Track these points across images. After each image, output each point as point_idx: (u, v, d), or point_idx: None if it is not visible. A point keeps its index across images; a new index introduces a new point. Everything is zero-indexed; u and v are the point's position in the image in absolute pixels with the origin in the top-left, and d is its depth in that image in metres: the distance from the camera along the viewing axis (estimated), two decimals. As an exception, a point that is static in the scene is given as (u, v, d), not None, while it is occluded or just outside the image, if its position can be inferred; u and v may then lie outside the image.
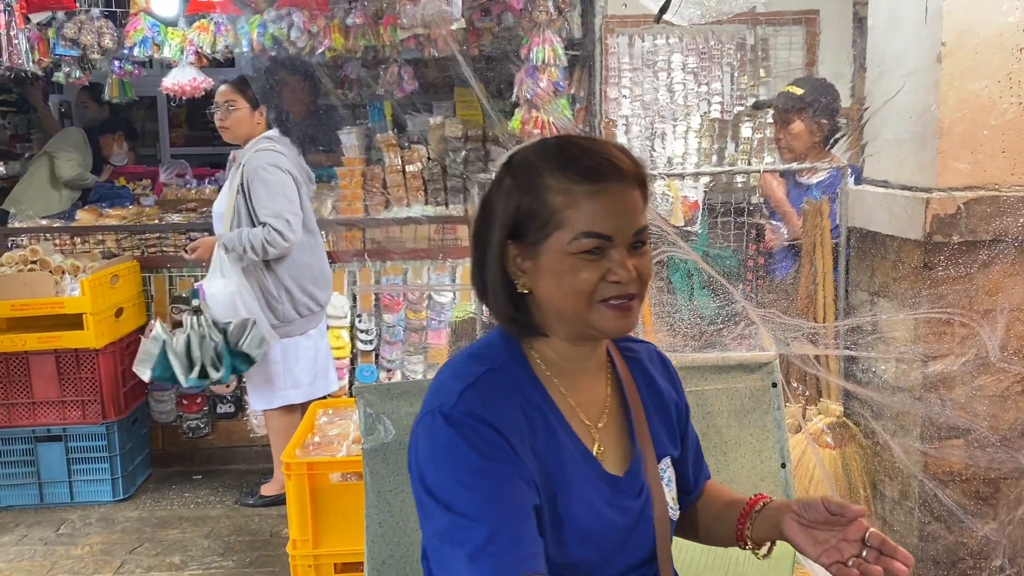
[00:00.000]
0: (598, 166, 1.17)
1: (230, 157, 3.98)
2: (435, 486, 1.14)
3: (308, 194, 3.83)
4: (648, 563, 1.30)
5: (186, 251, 3.84)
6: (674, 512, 1.32)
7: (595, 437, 1.26)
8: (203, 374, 3.54)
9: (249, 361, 3.58)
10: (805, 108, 3.35)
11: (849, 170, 3.00)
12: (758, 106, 3.93)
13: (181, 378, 3.54)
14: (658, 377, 1.38)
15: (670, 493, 1.32)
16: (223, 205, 3.75)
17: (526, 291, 1.22)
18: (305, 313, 3.80)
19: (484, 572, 1.07)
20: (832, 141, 3.39)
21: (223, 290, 3.57)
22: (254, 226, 3.62)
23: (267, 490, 4.03)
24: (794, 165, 3.50)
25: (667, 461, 1.34)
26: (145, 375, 3.61)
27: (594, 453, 1.25)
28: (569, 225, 1.16)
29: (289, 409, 3.86)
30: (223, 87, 3.80)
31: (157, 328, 3.62)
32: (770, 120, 3.92)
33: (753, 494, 1.39)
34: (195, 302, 3.63)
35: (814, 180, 3.37)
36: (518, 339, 1.26)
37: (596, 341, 1.26)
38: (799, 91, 3.42)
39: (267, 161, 3.63)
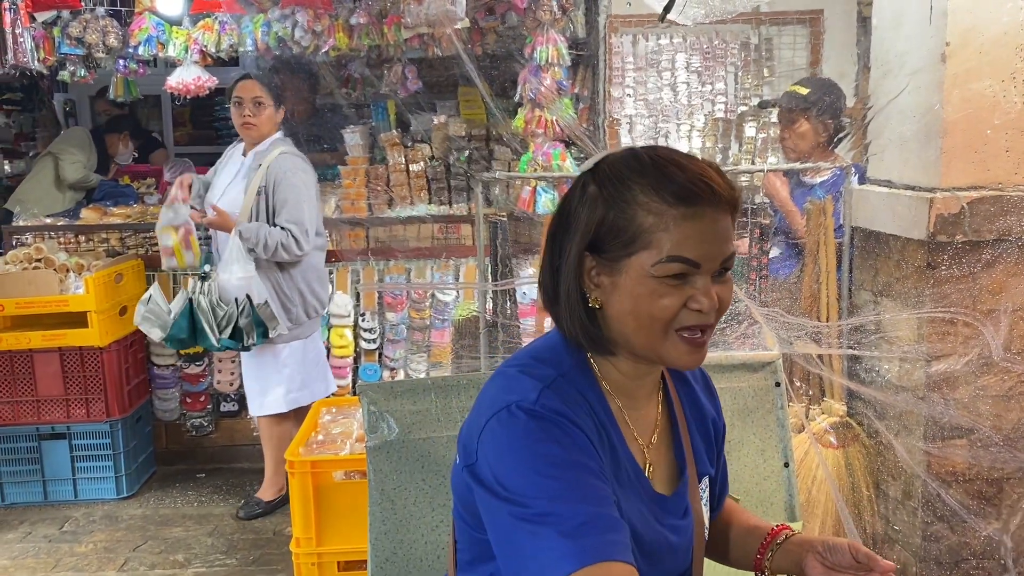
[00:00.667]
0: (695, 188, 1.11)
1: (228, 152, 3.91)
2: (516, 479, 1.08)
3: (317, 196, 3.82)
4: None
5: (200, 213, 3.65)
6: (707, 531, 1.32)
7: (647, 456, 1.24)
8: (235, 335, 3.50)
9: (264, 333, 3.54)
10: (810, 108, 3.33)
11: (853, 169, 3.00)
12: (763, 105, 3.93)
13: (212, 338, 3.48)
14: (700, 394, 1.36)
15: (707, 513, 1.32)
16: (235, 203, 3.63)
17: (597, 306, 1.17)
18: (313, 315, 3.80)
19: (578, 550, 1.01)
20: (836, 141, 3.37)
21: (239, 276, 3.50)
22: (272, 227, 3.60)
23: (265, 495, 4.00)
24: (797, 164, 3.50)
25: (706, 481, 1.33)
26: (155, 334, 3.55)
27: (645, 473, 1.23)
28: (657, 247, 1.10)
29: (285, 416, 3.83)
30: (247, 82, 3.69)
31: (155, 292, 3.53)
32: (775, 120, 3.90)
33: (776, 524, 1.38)
34: (206, 267, 3.61)
35: (818, 180, 3.36)
36: (584, 351, 1.21)
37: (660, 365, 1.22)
38: (804, 91, 3.40)
39: (296, 167, 3.61)
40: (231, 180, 3.72)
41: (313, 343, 3.89)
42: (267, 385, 3.78)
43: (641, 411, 1.25)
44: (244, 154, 3.77)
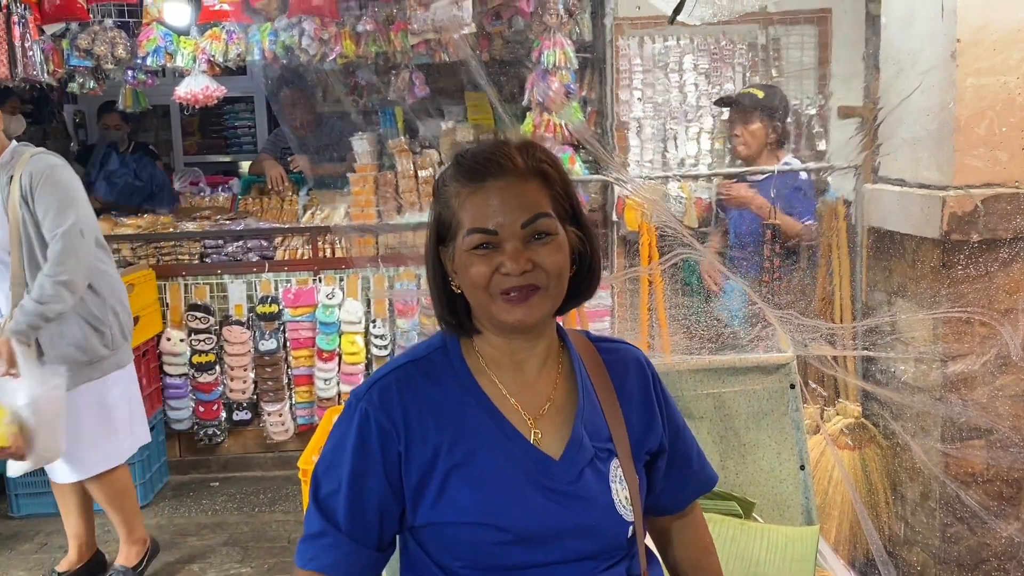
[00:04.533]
0: (477, 166, 1.26)
1: None
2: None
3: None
4: (612, 555, 1.32)
5: None
6: (626, 512, 1.32)
7: (531, 424, 1.31)
8: None
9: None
10: (765, 109, 3.58)
11: (853, 171, 3.02)
12: (720, 103, 4.01)
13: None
14: (627, 380, 1.40)
15: (621, 491, 1.33)
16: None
17: (459, 290, 1.30)
18: (127, 337, 3.30)
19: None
20: (780, 143, 3.67)
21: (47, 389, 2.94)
22: (45, 245, 2.97)
23: (128, 559, 3.38)
24: (799, 165, 3.52)
25: (615, 463, 1.35)
26: None
27: (530, 438, 1.30)
28: (463, 224, 1.26)
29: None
30: None
31: None
32: (724, 118, 4.17)
33: None
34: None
35: (761, 178, 3.57)
36: (457, 336, 1.35)
37: (521, 334, 1.31)
38: (760, 93, 3.64)
39: (55, 165, 3.04)
40: None
41: (133, 372, 3.40)
42: (97, 437, 3.18)
43: (531, 384, 1.34)
44: None
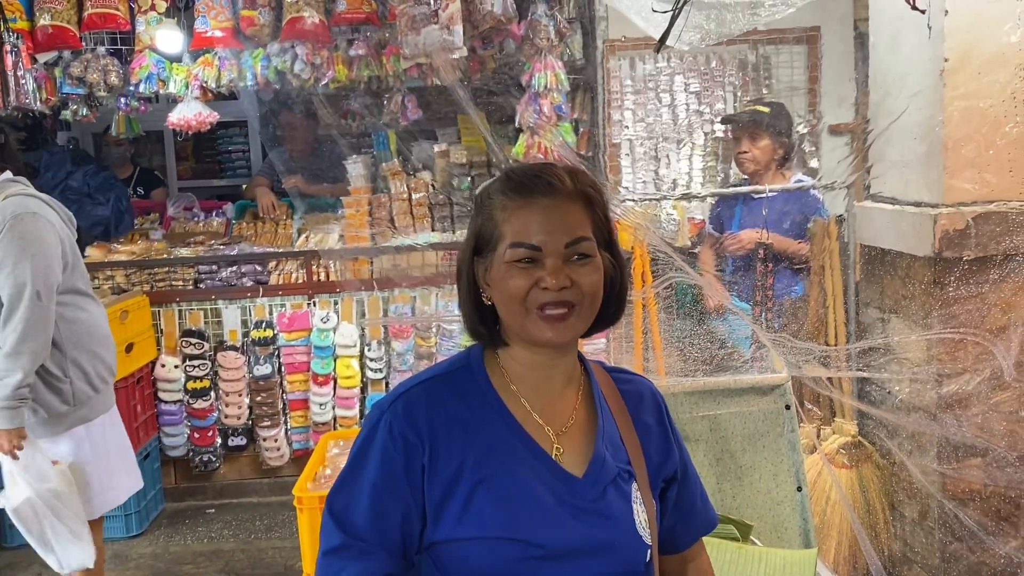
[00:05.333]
0: (530, 183, 1.29)
1: None
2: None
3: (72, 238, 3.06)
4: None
5: None
6: (646, 535, 1.32)
7: (553, 440, 1.32)
8: None
9: None
10: (772, 125, 3.59)
11: (844, 190, 3.03)
12: (726, 121, 4.02)
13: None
14: (643, 409, 1.42)
15: (641, 513, 1.34)
16: None
17: (490, 302, 1.32)
18: (100, 387, 3.04)
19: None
20: (784, 161, 3.67)
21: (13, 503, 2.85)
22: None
23: None
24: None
25: (635, 485, 1.36)
26: None
27: (552, 454, 1.31)
28: (507, 237, 1.28)
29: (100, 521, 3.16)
30: None
31: None
32: (719, 135, 4.20)
33: None
34: None
35: (769, 196, 3.52)
36: (485, 347, 1.37)
37: (549, 350, 1.33)
38: (766, 109, 3.65)
39: (24, 210, 2.84)
40: None
41: (116, 417, 3.18)
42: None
43: (554, 401, 1.35)
44: None
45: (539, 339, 1.28)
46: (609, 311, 1.36)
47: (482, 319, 1.34)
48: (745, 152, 3.65)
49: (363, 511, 1.28)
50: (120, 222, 5.15)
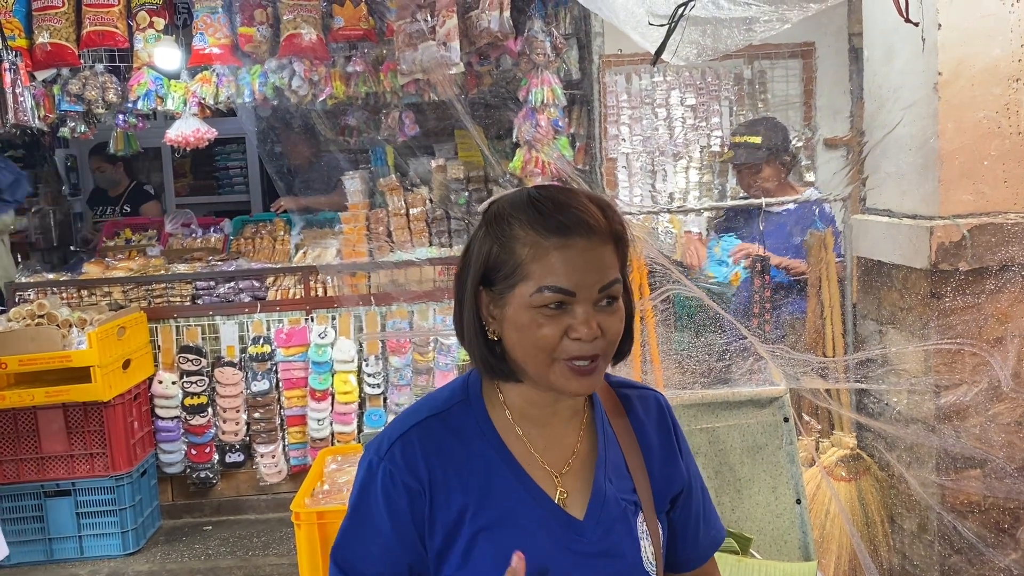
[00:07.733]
0: (566, 220, 1.17)
1: None
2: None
3: None
4: None
5: None
6: (652, 570, 1.29)
7: (557, 482, 1.26)
8: None
9: None
10: (768, 150, 3.49)
11: (841, 202, 3.04)
12: (727, 163, 3.98)
13: None
14: (648, 426, 1.36)
15: (648, 548, 1.29)
16: None
17: (496, 337, 1.23)
18: None
19: None
20: (789, 171, 3.58)
21: None
22: None
23: None
24: (788, 199, 3.53)
25: (641, 517, 1.32)
26: None
27: (556, 499, 1.25)
28: (533, 278, 1.17)
29: None
30: None
31: None
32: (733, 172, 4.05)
33: None
34: None
35: (782, 209, 3.48)
36: (492, 380, 1.28)
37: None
38: (757, 139, 3.53)
39: None
40: None
41: None
42: None
43: (553, 439, 1.28)
44: None
45: (564, 390, 1.20)
46: (623, 348, 1.28)
47: (491, 351, 1.24)
48: (750, 186, 3.58)
49: (373, 563, 1.24)
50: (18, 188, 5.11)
